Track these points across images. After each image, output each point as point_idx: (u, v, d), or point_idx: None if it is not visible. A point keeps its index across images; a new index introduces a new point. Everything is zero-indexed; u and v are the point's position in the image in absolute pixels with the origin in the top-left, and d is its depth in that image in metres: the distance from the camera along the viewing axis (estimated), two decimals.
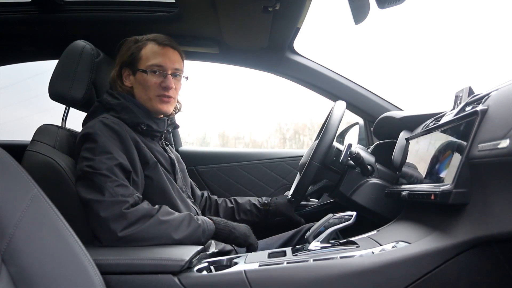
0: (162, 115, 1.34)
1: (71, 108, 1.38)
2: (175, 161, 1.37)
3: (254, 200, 1.55)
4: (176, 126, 1.47)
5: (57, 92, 1.30)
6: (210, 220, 1.18)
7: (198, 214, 1.36)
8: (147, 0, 1.69)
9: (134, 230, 1.01)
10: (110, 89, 1.32)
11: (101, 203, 1.03)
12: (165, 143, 1.43)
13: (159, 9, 1.67)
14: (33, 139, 1.22)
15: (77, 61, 1.31)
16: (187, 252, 0.94)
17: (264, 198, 1.57)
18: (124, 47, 1.33)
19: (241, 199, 1.56)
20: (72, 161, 1.21)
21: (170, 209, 1.13)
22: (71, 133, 1.32)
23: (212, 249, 1.25)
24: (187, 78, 1.36)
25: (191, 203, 1.33)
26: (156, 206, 1.11)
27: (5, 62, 1.99)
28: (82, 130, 1.20)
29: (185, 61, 1.37)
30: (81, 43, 1.35)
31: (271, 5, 1.33)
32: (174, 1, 1.57)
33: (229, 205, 1.54)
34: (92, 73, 1.32)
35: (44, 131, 1.25)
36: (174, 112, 1.41)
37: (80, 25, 1.72)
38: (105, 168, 1.07)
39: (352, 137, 1.98)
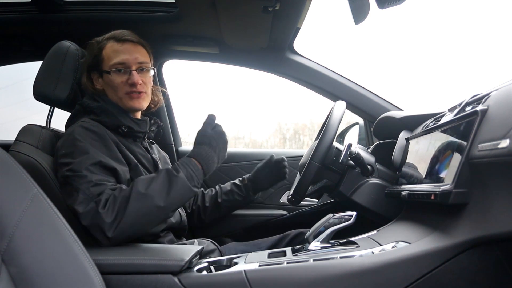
0: (138, 112, 1.32)
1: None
2: (158, 162, 1.36)
3: (236, 180, 1.57)
4: (160, 126, 1.44)
5: (41, 92, 1.30)
6: (190, 159, 1.14)
7: (180, 215, 1.37)
8: (147, 0, 1.69)
9: (119, 222, 1.00)
10: None
11: (79, 211, 1.02)
12: (150, 141, 1.43)
13: (159, 9, 1.67)
14: (16, 139, 1.22)
15: (62, 61, 1.30)
16: (187, 252, 0.94)
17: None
18: (88, 50, 1.30)
19: (224, 184, 1.58)
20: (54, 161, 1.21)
21: (144, 177, 1.10)
22: (55, 133, 1.32)
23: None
24: (154, 69, 1.33)
25: None
26: (131, 184, 1.08)
27: (5, 62, 1.99)
28: (62, 137, 1.21)
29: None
30: (66, 43, 1.34)
31: (271, 5, 1.33)
32: (174, 1, 1.57)
33: (213, 192, 1.56)
34: (76, 73, 1.32)
35: (27, 131, 1.25)
36: (152, 106, 1.39)
37: (80, 25, 1.71)
38: (84, 168, 1.07)
39: (352, 137, 1.98)
